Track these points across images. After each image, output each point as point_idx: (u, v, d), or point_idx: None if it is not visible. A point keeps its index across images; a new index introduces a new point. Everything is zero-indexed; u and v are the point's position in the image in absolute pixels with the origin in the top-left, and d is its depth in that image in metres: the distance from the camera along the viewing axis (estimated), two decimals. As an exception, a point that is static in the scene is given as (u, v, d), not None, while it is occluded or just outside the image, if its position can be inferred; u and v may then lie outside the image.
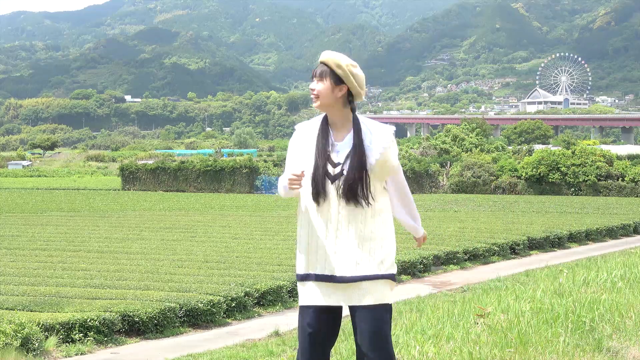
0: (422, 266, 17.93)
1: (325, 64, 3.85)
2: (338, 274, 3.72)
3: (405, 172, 53.04)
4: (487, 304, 7.09)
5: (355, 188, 3.72)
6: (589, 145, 59.51)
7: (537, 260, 19.92)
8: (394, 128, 3.93)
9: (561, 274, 8.90)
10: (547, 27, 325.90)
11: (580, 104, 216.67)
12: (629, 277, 7.75)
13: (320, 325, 3.78)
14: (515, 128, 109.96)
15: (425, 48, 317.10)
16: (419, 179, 50.40)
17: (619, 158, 50.99)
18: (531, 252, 22.23)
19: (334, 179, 3.74)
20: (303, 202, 3.81)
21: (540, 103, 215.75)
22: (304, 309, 3.80)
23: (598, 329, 5.48)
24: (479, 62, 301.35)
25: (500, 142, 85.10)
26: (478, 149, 65.29)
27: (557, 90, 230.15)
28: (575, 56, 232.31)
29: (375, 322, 3.73)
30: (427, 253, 18.34)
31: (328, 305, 3.76)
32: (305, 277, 3.80)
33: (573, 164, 47.80)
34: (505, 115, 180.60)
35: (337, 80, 3.82)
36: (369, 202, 3.76)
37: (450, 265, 19.08)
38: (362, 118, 3.89)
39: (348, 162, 3.74)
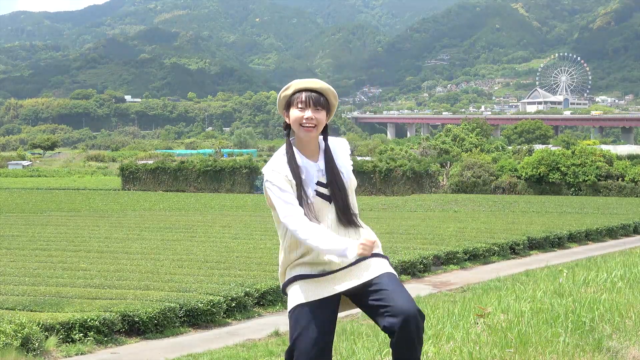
0: (422, 266, 17.93)
1: (322, 94, 3.78)
2: (337, 267, 3.68)
3: (405, 172, 52.89)
4: (487, 304, 7.09)
5: (348, 212, 3.74)
6: (589, 145, 59.56)
7: (537, 260, 19.92)
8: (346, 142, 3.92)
9: (561, 274, 8.90)
10: (547, 27, 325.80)
11: (580, 104, 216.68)
12: (628, 277, 7.76)
13: (323, 322, 3.66)
14: (515, 128, 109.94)
15: (425, 48, 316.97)
16: (419, 179, 50.35)
17: (619, 158, 50.99)
18: (531, 252, 22.24)
19: (329, 199, 3.73)
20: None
21: (540, 103, 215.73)
22: (301, 307, 3.64)
23: (598, 329, 5.48)
24: (479, 62, 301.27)
25: (500, 142, 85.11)
26: (478, 149, 65.27)
27: (557, 90, 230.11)
28: (575, 56, 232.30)
29: (396, 281, 3.65)
30: (427, 253, 18.34)
31: (331, 295, 3.65)
32: (296, 279, 3.72)
33: (573, 164, 47.79)
34: (505, 115, 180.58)
35: (328, 110, 3.80)
36: (357, 222, 3.78)
37: (450, 265, 19.09)
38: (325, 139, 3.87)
39: (331, 186, 3.73)
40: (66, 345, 10.66)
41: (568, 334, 5.26)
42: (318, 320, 3.63)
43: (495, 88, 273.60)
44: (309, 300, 3.65)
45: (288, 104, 3.80)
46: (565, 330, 5.33)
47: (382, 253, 3.80)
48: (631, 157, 53.05)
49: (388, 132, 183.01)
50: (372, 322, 10.71)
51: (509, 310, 6.20)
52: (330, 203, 3.72)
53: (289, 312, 3.71)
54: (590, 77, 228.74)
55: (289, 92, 3.79)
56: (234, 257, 17.59)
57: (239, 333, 12.09)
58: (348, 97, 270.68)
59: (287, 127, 3.84)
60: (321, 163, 3.75)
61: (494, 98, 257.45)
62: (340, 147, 3.85)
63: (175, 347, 11.09)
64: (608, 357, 4.97)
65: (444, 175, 52.07)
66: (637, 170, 47.08)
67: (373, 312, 3.64)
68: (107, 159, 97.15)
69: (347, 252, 3.53)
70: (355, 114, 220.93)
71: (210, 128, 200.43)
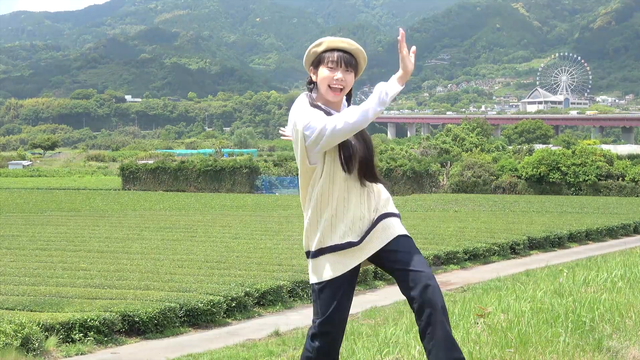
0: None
1: (352, 55, 3.70)
2: (361, 236, 3.67)
3: (405, 172, 52.88)
4: (487, 303, 7.09)
5: (372, 167, 3.69)
6: (590, 145, 59.56)
7: (537, 260, 19.92)
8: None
9: (561, 274, 8.89)
10: (547, 27, 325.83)
11: (580, 103, 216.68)
12: (629, 277, 7.75)
13: (350, 292, 3.73)
14: (515, 128, 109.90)
15: (425, 48, 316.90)
16: (419, 179, 50.36)
17: (619, 158, 50.99)
18: (531, 251, 22.24)
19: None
20: (325, 174, 3.63)
21: (540, 103, 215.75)
22: (331, 281, 3.67)
23: (598, 328, 5.47)
24: (480, 61, 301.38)
25: (500, 142, 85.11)
26: (478, 149, 65.25)
27: (558, 90, 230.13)
28: (576, 56, 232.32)
29: (414, 247, 3.68)
30: (427, 253, 18.34)
31: (356, 265, 3.68)
32: (320, 252, 3.70)
33: (573, 164, 47.79)
34: (505, 115, 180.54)
35: (356, 72, 3.73)
36: (379, 178, 3.74)
37: (451, 265, 19.09)
38: None
39: (355, 143, 3.64)
40: (66, 345, 10.66)
41: (568, 334, 5.26)
42: (348, 292, 3.71)
43: (496, 88, 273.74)
44: (339, 274, 3.67)
45: (317, 61, 3.73)
46: (566, 330, 5.33)
47: (396, 211, 3.80)
48: (631, 157, 53.05)
49: (388, 132, 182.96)
50: (372, 322, 10.67)
51: (509, 310, 6.19)
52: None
53: (316, 284, 3.72)
54: (590, 77, 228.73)
55: (320, 48, 3.72)
56: (234, 257, 17.59)
57: (239, 333, 12.08)
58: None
59: (311, 82, 3.78)
60: None
61: (494, 98, 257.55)
62: None
63: (175, 347, 11.09)
64: (608, 357, 4.96)
65: (445, 175, 52.06)
66: (638, 170, 47.08)
67: (393, 273, 3.69)
68: (107, 159, 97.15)
69: (390, 88, 3.46)
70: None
71: (210, 128, 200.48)
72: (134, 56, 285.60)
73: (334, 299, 3.68)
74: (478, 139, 73.84)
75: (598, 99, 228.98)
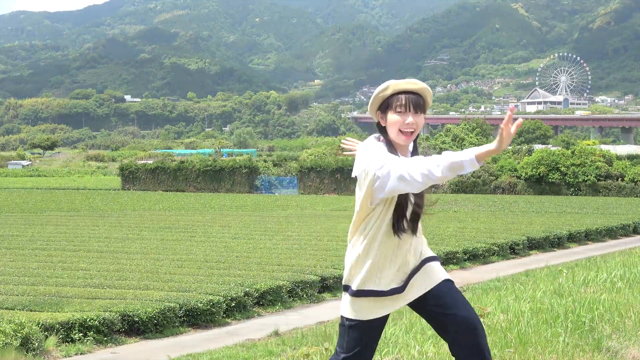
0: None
1: (421, 96, 3.66)
2: (404, 281, 3.65)
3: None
4: (487, 303, 7.09)
5: (417, 219, 3.72)
6: (589, 145, 59.55)
7: (536, 260, 19.92)
8: None
9: (561, 274, 8.90)
10: (546, 27, 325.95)
11: (580, 104, 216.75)
12: (628, 277, 7.76)
13: (378, 336, 3.73)
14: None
15: (425, 48, 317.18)
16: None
17: (619, 158, 50.99)
18: (531, 252, 22.23)
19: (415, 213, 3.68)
20: (381, 219, 3.60)
21: (540, 103, 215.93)
22: (364, 323, 3.63)
23: (597, 328, 5.48)
24: (479, 62, 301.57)
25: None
26: (478, 149, 65.11)
27: (557, 90, 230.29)
28: (575, 56, 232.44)
29: (455, 290, 3.66)
30: (426, 253, 18.31)
31: (396, 309, 3.68)
32: (362, 293, 3.63)
33: (573, 164, 47.80)
34: (505, 115, 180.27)
35: (424, 111, 3.68)
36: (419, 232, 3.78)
37: (450, 265, 19.08)
38: None
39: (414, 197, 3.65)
40: (66, 345, 10.65)
41: (568, 334, 5.26)
42: (377, 334, 3.70)
43: (495, 88, 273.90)
44: (374, 317, 3.64)
45: (385, 105, 3.64)
46: (565, 330, 5.33)
47: (434, 254, 3.78)
48: (631, 157, 53.06)
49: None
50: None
51: (508, 310, 6.20)
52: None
53: (348, 320, 3.66)
54: (590, 77, 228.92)
55: (387, 92, 3.62)
56: (234, 257, 17.59)
57: (238, 333, 12.08)
58: (348, 97, 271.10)
59: (381, 128, 3.68)
60: None
61: (493, 98, 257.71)
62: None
63: (175, 347, 11.09)
64: (608, 357, 4.97)
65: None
66: (637, 170, 47.08)
67: (434, 320, 3.66)
68: (106, 159, 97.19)
69: (468, 166, 3.34)
70: (355, 114, 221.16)
71: (209, 128, 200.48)
72: (133, 56, 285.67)
73: (362, 339, 3.64)
74: (477, 139, 73.89)
75: (597, 99, 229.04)
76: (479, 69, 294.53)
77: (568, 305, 6.11)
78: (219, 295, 12.92)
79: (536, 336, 5.24)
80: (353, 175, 3.64)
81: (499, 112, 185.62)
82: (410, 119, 3.55)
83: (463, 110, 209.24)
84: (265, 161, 63.74)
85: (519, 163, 50.64)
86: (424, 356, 5.16)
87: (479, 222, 27.37)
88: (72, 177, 73.79)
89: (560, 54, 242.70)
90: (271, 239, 21.44)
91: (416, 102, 3.59)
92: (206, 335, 12.11)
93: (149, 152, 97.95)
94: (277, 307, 13.99)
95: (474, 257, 19.97)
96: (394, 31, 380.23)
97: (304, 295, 14.61)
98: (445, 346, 5.34)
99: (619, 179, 47.43)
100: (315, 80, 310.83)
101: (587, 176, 47.23)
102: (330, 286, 15.20)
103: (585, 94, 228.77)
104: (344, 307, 3.70)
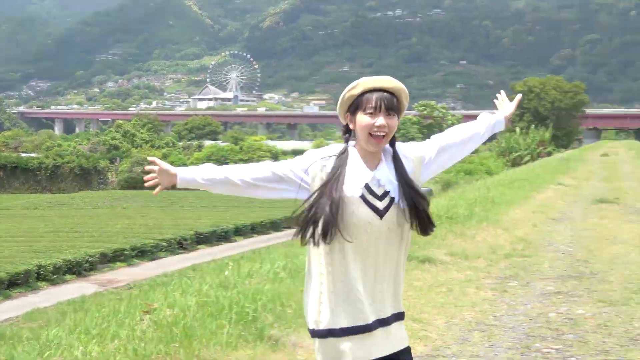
0: (88, 265, 17.41)
1: (395, 95, 3.07)
2: (376, 318, 3.01)
3: (72, 169, 51.31)
4: (153, 299, 7.00)
5: (425, 218, 3.05)
6: (257, 141, 62.38)
7: (204, 254, 20.35)
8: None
9: (227, 267, 9.08)
10: (219, 25, 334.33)
11: (249, 100, 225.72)
12: (290, 268, 8.11)
13: None
14: (185, 124, 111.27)
15: (97, 42, 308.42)
16: (87, 176, 49.12)
17: (284, 153, 54.02)
18: (199, 246, 22.65)
19: (383, 212, 2.96)
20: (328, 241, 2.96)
21: (211, 99, 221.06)
22: None
23: (260, 318, 5.65)
24: (152, 57, 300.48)
25: (171, 138, 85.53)
26: (149, 145, 65.01)
27: (228, 87, 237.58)
28: (246, 54, 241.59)
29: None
30: (93, 251, 17.84)
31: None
32: (331, 334, 2.98)
33: (241, 159, 49.62)
34: (176, 111, 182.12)
35: (399, 113, 3.12)
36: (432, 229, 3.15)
37: (118, 263, 18.77)
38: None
39: (399, 192, 3.00)
40: None
41: (232, 325, 5.36)
42: None
43: (167, 84, 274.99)
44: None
45: (355, 106, 3.06)
46: (230, 322, 5.43)
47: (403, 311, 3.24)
48: (295, 152, 56.43)
49: (56, 128, 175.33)
50: (33, 325, 10.04)
51: (175, 305, 6.16)
52: (380, 219, 2.97)
53: None
54: (259, 75, 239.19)
55: (357, 91, 3.05)
56: None
57: None
58: (14, 92, 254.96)
59: (347, 132, 3.12)
60: (380, 173, 3.04)
61: (165, 94, 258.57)
62: (411, 153, 3.16)
63: None
64: (270, 345, 5.14)
65: (114, 172, 51.10)
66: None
67: None
68: None
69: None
70: (21, 108, 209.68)
71: None
72: None
73: None
74: (149, 135, 73.56)
75: (266, 96, 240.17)
76: (152, 65, 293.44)
77: (233, 297, 6.22)
78: None
79: (202, 329, 5.26)
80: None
81: (184, 109, 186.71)
82: (381, 120, 3.03)
83: (135, 106, 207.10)
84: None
85: (189, 159, 51.41)
86: (88, 356, 4.94)
87: (148, 219, 27.25)
88: None
89: (232, 52, 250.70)
90: None
91: (389, 102, 3.05)
92: None
93: None
94: None
95: (142, 253, 19.84)
96: (65, 24, 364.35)
97: None
98: (110, 345, 5.16)
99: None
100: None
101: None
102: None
103: (254, 91, 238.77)
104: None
